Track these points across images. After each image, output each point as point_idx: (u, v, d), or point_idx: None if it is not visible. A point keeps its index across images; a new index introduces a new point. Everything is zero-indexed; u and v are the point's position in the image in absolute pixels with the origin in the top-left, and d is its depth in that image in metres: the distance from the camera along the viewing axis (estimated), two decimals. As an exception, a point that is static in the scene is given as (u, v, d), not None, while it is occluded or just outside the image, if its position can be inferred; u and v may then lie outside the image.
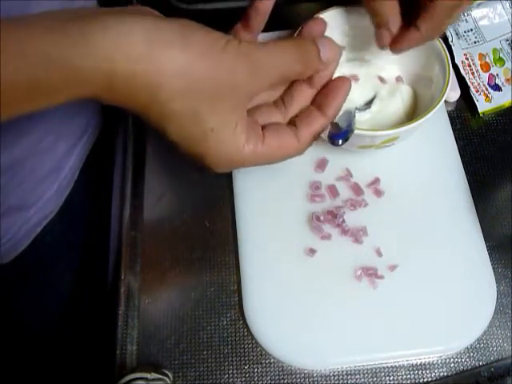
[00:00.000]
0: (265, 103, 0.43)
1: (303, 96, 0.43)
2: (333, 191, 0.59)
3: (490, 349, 0.53)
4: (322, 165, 0.60)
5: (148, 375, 0.50)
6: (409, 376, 0.52)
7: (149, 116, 0.37)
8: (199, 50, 0.35)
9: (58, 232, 0.65)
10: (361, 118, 0.58)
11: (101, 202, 0.67)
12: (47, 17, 0.33)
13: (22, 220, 0.59)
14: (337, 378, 0.52)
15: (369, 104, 0.60)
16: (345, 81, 0.43)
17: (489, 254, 0.56)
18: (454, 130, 0.63)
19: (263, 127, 0.41)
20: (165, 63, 0.34)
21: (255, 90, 0.39)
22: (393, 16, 0.49)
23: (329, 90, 0.43)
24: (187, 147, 0.38)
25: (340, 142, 0.48)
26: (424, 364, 0.53)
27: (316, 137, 0.43)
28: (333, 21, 0.56)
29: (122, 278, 0.57)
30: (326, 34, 0.56)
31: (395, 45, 0.51)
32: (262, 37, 0.65)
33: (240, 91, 0.37)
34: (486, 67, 0.67)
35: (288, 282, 0.55)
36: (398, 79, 0.63)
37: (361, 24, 0.60)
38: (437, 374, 0.52)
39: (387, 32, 0.50)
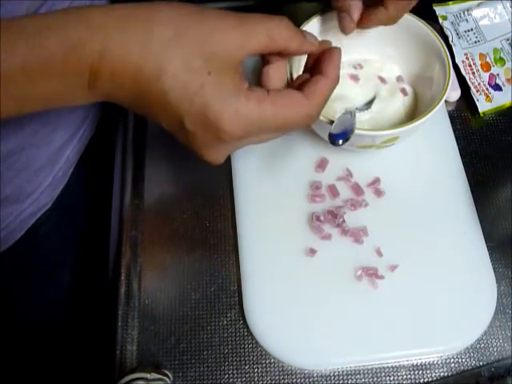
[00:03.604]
0: None
1: None
2: (333, 191, 0.59)
3: (491, 349, 0.53)
4: (322, 165, 0.60)
5: (148, 375, 0.50)
6: (409, 376, 0.52)
7: (142, 84, 0.36)
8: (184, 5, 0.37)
9: (53, 223, 0.66)
10: (361, 118, 0.58)
11: (99, 198, 0.68)
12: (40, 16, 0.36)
13: (17, 210, 0.59)
14: (337, 378, 0.52)
15: (369, 104, 0.60)
16: (334, 51, 0.43)
17: (489, 254, 0.56)
18: (455, 130, 0.63)
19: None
20: (156, 11, 0.36)
21: (243, 53, 0.38)
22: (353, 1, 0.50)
23: (321, 60, 0.43)
24: (188, 106, 0.36)
25: (340, 141, 0.48)
26: (424, 364, 0.53)
27: (325, 97, 0.41)
28: (332, 22, 0.56)
29: (122, 278, 0.57)
30: (326, 34, 0.56)
31: (363, 22, 0.52)
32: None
33: (229, 40, 0.37)
34: (486, 67, 0.67)
35: (288, 282, 0.55)
36: (399, 79, 0.63)
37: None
38: (437, 374, 0.52)
39: (349, 16, 0.51)
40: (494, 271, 0.56)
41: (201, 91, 0.36)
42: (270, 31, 0.38)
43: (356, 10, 0.51)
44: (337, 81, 0.42)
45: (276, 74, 0.43)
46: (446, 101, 0.65)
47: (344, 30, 0.53)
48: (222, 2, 0.71)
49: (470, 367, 0.52)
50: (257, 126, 0.38)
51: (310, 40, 0.42)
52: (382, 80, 0.62)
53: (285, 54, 0.42)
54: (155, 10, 0.36)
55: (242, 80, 0.38)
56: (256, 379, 0.52)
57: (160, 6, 0.37)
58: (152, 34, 0.35)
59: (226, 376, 0.52)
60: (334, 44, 0.45)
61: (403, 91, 0.62)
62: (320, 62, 0.43)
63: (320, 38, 0.44)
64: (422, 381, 0.52)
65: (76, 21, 0.35)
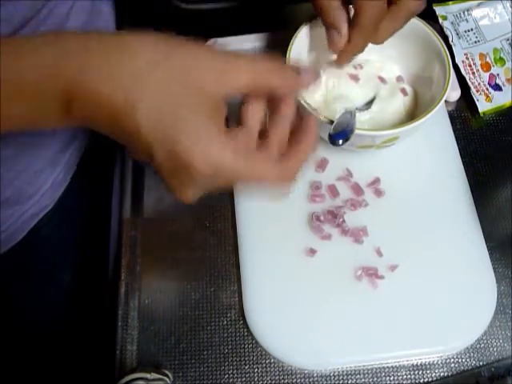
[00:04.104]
0: None
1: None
2: (333, 191, 0.59)
3: (491, 349, 0.53)
4: (322, 165, 0.60)
5: (148, 375, 0.50)
6: (409, 376, 0.52)
7: (116, 116, 0.35)
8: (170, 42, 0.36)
9: (54, 225, 0.66)
10: (361, 118, 0.58)
11: (100, 200, 0.68)
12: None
13: (18, 212, 0.60)
14: (337, 378, 0.52)
15: (369, 104, 0.60)
16: (310, 120, 0.41)
17: (489, 254, 0.56)
18: (455, 130, 0.63)
19: None
20: (133, 42, 0.35)
21: (223, 89, 0.36)
22: (339, 16, 0.47)
23: (298, 128, 0.40)
24: (160, 140, 0.35)
25: (340, 141, 0.48)
26: (424, 364, 0.53)
27: (299, 163, 0.40)
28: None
29: (122, 278, 0.57)
30: (322, 38, 0.56)
31: (340, 60, 0.50)
32: (261, 36, 0.65)
33: (208, 74, 0.36)
34: (486, 67, 0.67)
35: (288, 282, 0.55)
36: (399, 79, 0.63)
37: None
38: (437, 374, 0.52)
39: (337, 33, 0.48)
40: (494, 271, 0.56)
41: (174, 125, 0.35)
42: (253, 66, 0.37)
43: (344, 24, 0.48)
44: (313, 149, 0.40)
45: (254, 112, 0.40)
46: (446, 101, 0.65)
47: (332, 48, 0.50)
48: (222, 2, 0.71)
49: (470, 367, 0.52)
50: (229, 173, 0.37)
51: (293, 73, 0.40)
52: (382, 80, 0.62)
53: (267, 93, 0.39)
54: (133, 40, 0.35)
55: (220, 120, 0.36)
56: (256, 379, 0.52)
57: (138, 37, 0.35)
58: (124, 65, 0.34)
59: (226, 376, 0.52)
60: None
61: (403, 91, 0.61)
62: (298, 130, 0.40)
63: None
64: (422, 381, 0.52)
65: (53, 46, 0.34)
